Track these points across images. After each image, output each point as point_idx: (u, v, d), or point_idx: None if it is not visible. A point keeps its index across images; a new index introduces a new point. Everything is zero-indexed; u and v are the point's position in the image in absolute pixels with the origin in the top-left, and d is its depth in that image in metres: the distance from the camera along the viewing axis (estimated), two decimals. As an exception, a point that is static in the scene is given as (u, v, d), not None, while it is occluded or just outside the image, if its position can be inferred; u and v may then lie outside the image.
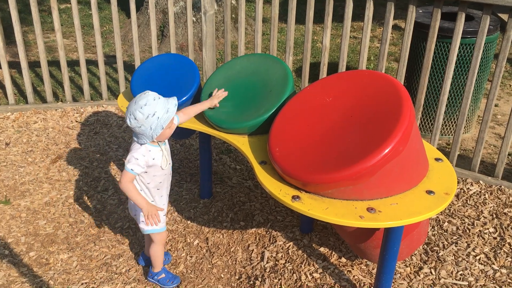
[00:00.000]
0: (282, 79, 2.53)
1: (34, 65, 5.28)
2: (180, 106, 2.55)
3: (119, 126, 4.18)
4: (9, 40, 5.77)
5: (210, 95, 2.66)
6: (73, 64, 5.47)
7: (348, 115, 2.11)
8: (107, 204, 3.19)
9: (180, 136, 3.43)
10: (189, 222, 3.04)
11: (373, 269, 2.62)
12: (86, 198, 3.26)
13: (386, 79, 2.13)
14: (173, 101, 2.19)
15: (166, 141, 2.35)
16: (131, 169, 2.18)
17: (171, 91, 2.77)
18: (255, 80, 2.63)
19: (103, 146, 3.88)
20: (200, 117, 2.69)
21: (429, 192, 2.06)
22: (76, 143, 3.92)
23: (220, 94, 2.59)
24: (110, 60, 5.66)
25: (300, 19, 5.20)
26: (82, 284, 2.56)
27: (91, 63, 5.48)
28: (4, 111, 4.30)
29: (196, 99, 2.80)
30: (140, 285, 2.56)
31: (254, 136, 2.48)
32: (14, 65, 5.15)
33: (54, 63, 5.34)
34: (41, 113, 4.32)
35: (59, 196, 3.26)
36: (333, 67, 4.51)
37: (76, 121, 4.24)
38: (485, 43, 3.63)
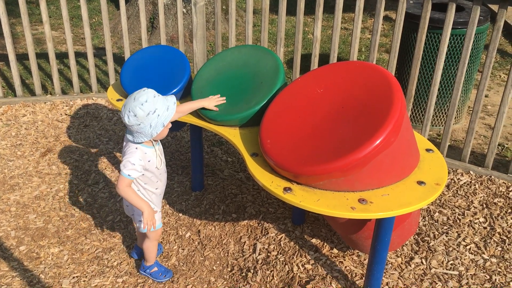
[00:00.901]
0: (273, 71, 2.52)
1: (22, 58, 5.22)
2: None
3: (109, 119, 4.15)
4: (-3, 32, 5.69)
5: (201, 87, 2.64)
6: (62, 57, 5.41)
7: (339, 106, 2.10)
8: (98, 198, 3.17)
9: (170, 128, 3.40)
10: (180, 214, 3.03)
11: (364, 259, 2.64)
12: (77, 191, 3.23)
13: (377, 70, 2.13)
14: (172, 99, 2.15)
15: (159, 140, 2.33)
16: (128, 175, 2.13)
17: (161, 83, 2.75)
18: (246, 72, 2.62)
19: (93, 139, 3.85)
20: (191, 109, 2.67)
21: (420, 182, 2.06)
22: (65, 136, 3.88)
23: (219, 99, 2.52)
24: (99, 52, 5.61)
25: (291, 10, 5.18)
26: (73, 277, 2.55)
27: (80, 55, 5.42)
28: (-8, 104, 4.25)
29: (186, 91, 2.78)
30: (132, 278, 2.55)
31: (245, 128, 2.46)
32: (1, 57, 5.09)
33: (42, 56, 5.27)
34: (30, 106, 4.28)
35: (49, 190, 3.23)
36: (324, 59, 4.50)
37: (66, 114, 4.20)
38: (475, 34, 3.64)
